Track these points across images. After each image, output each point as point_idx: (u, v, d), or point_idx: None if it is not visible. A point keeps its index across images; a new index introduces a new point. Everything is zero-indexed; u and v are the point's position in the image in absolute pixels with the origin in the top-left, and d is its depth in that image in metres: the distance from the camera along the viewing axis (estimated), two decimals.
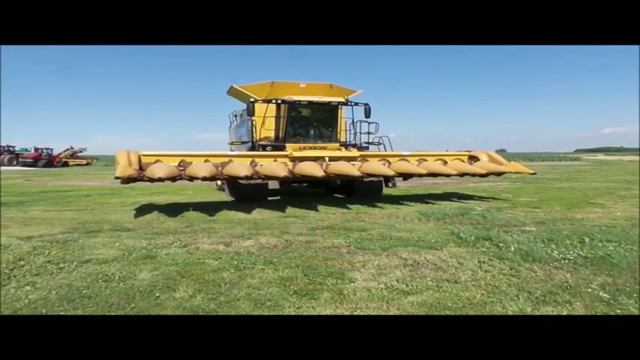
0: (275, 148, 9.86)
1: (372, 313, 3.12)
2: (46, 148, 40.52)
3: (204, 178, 7.87)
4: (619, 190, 12.14)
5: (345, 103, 10.61)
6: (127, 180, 7.71)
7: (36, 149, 39.98)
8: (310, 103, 10.23)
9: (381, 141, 10.99)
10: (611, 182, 15.27)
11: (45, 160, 38.40)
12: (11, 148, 39.83)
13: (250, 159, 8.72)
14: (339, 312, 3.14)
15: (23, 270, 4.13)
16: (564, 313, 3.08)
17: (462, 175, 9.74)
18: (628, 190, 12.11)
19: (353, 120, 10.90)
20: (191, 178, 8.01)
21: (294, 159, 8.87)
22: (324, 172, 8.37)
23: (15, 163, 37.38)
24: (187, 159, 8.36)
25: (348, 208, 8.42)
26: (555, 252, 4.64)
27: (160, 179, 7.54)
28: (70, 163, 41.34)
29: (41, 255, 4.69)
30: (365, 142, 10.96)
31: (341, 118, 10.99)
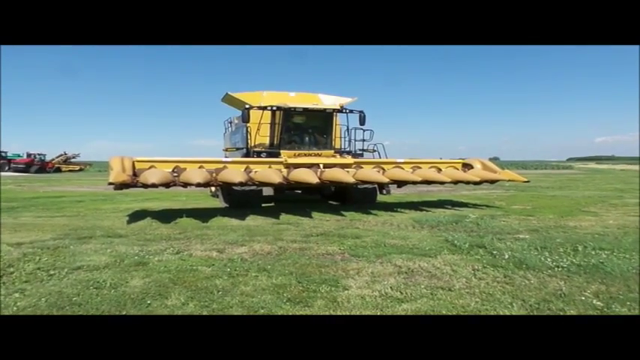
0: (270, 155, 9.85)
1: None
2: (39, 154, 40.17)
3: (198, 185, 7.83)
4: (611, 198, 12.23)
5: (340, 111, 10.65)
6: (121, 186, 7.65)
7: (28, 155, 39.58)
8: (305, 110, 10.26)
9: (375, 148, 11.04)
10: (603, 191, 15.39)
11: (37, 165, 37.98)
12: (3, 154, 39.43)
13: (245, 165, 8.70)
14: None
15: (12, 277, 4.07)
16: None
17: (455, 182, 9.77)
18: (620, 198, 12.21)
19: (348, 127, 10.94)
20: (185, 185, 7.97)
21: (288, 166, 8.85)
22: (319, 178, 8.36)
23: (7, 168, 36.94)
24: (182, 165, 8.31)
25: (343, 215, 8.40)
26: (549, 260, 4.65)
27: (154, 185, 7.48)
28: (63, 169, 41.00)
29: (31, 261, 4.63)
30: (359, 150, 10.98)
31: (336, 125, 11.02)
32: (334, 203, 10.90)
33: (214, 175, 8.19)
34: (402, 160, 9.78)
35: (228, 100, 11.77)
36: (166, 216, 8.21)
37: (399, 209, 9.47)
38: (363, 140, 10.86)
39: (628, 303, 3.35)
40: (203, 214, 8.30)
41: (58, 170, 40.01)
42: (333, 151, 10.63)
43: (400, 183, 9.83)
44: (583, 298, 3.48)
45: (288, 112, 10.21)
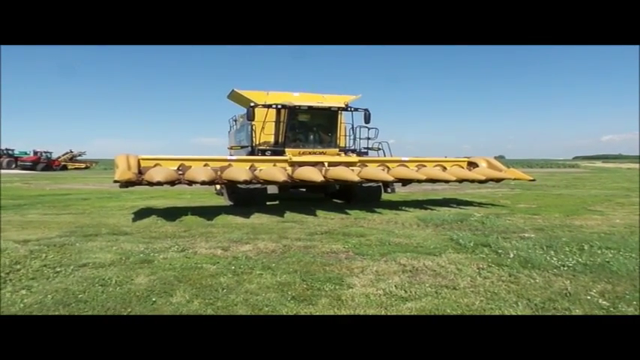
0: (274, 153, 9.86)
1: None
2: (45, 152, 40.48)
3: (203, 183, 7.85)
4: (617, 197, 12.14)
5: (345, 109, 10.62)
6: (126, 184, 7.68)
7: (35, 153, 39.92)
8: (310, 108, 10.25)
9: (380, 146, 11.00)
10: (609, 189, 15.27)
11: (44, 163, 38.35)
12: (10, 152, 39.76)
13: (249, 163, 8.71)
14: None
15: (19, 274, 4.10)
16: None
17: (460, 181, 9.74)
18: (626, 197, 12.11)
19: (352, 125, 10.92)
20: (190, 183, 7.99)
21: (293, 164, 8.86)
22: (324, 177, 8.36)
23: (14, 166, 37.32)
24: (187, 163, 8.33)
25: (347, 214, 8.40)
26: (554, 259, 4.63)
27: (159, 183, 7.52)
28: (69, 167, 41.28)
29: (38, 259, 4.66)
30: (364, 148, 10.95)
31: (340, 123, 11.00)
32: (339, 201, 10.90)
33: (219, 173, 8.20)
34: (406, 159, 9.76)
35: (234, 96, 11.80)
36: (171, 214, 8.25)
37: (403, 208, 9.46)
38: (368, 138, 10.82)
39: (634, 302, 3.33)
40: (208, 212, 8.33)
41: (64, 168, 40.31)
42: (337, 150, 10.61)
43: (405, 181, 9.81)
44: (589, 297, 3.46)
45: (293, 110, 10.20)
